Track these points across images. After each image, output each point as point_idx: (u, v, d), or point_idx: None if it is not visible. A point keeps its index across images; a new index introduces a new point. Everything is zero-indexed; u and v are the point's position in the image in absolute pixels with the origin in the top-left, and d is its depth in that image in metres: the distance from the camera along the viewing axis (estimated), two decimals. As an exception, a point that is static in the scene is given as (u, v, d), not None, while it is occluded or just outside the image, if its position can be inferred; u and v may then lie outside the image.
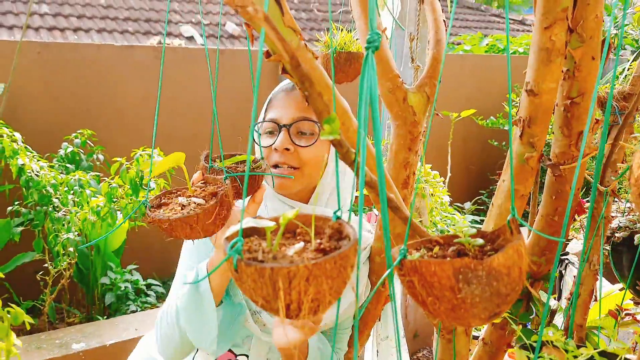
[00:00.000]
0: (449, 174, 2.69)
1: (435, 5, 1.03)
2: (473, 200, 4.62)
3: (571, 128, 0.81)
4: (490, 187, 5.09)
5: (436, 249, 0.54)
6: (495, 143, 4.94)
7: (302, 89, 0.42)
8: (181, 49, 3.76)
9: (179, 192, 0.94)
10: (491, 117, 4.62)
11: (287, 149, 1.12)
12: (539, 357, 0.69)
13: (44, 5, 6.28)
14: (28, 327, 1.29)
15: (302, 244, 0.51)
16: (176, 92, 3.67)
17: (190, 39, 6.38)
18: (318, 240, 0.50)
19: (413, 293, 0.49)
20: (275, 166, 1.13)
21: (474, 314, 0.47)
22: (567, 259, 2.65)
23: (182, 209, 0.86)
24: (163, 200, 0.92)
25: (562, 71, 0.76)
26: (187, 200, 0.88)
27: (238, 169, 1.00)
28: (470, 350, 1.11)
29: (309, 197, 1.20)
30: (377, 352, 1.52)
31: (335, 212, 0.53)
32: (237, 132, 3.48)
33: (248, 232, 0.53)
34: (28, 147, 2.86)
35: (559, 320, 1.10)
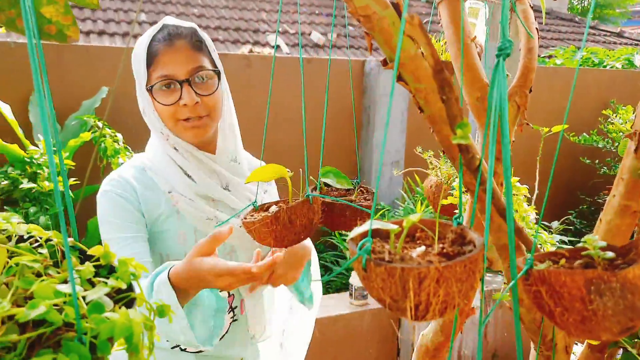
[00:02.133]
0: (536, 191, 2.59)
1: (528, 14, 1.01)
2: (561, 220, 4.42)
3: (697, 144, 0.77)
4: (580, 207, 4.84)
5: (562, 261, 0.52)
6: (588, 161, 4.69)
7: (441, 94, 0.43)
8: (270, 57, 3.87)
9: (285, 202, 0.95)
10: (584, 134, 4.40)
11: (197, 103, 1.17)
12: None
13: (143, 14, 6.67)
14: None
15: (423, 247, 0.51)
16: (266, 100, 3.77)
17: (277, 47, 6.55)
18: (440, 245, 0.51)
19: (539, 304, 0.48)
20: (187, 120, 1.19)
21: (605, 327, 0.45)
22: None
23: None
24: (271, 207, 0.94)
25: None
26: (274, 209, 0.90)
27: (332, 193, 1.00)
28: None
29: (214, 145, 1.27)
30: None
31: (456, 218, 0.53)
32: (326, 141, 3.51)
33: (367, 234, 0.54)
34: (128, 147, 3.04)
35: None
